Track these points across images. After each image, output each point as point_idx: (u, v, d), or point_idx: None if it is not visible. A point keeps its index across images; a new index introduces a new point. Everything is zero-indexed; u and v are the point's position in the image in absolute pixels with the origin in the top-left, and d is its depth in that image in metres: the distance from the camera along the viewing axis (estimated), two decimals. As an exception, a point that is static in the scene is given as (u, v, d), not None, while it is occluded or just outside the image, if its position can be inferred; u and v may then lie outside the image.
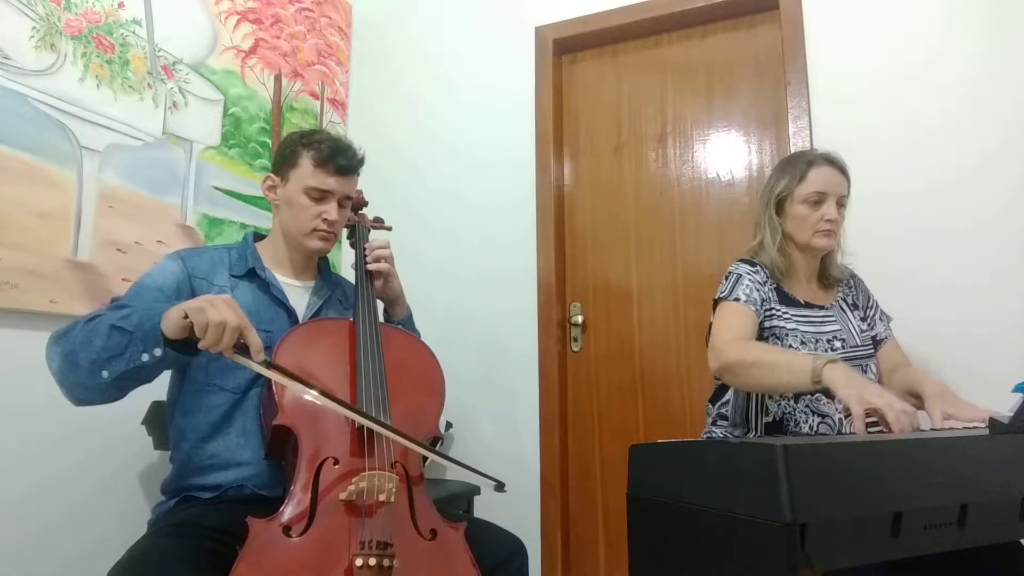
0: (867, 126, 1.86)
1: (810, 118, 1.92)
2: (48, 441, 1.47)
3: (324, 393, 1.01)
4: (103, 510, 1.55)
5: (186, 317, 0.94)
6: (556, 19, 2.31)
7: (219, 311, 0.93)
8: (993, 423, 0.94)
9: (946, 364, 1.69)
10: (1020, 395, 1.02)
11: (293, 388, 1.03)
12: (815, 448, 0.79)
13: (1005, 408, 1.05)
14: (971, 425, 1.14)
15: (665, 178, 2.19)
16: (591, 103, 2.33)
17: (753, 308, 1.36)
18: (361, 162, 1.36)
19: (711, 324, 1.44)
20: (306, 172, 1.29)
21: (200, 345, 0.94)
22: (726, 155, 2.13)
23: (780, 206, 1.44)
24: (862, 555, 0.79)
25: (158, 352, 0.98)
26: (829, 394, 1.18)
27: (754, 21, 2.13)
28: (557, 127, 2.31)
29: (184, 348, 0.97)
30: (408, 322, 1.48)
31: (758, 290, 1.39)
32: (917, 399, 1.33)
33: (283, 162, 1.33)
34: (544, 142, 2.27)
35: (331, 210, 1.30)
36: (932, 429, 1.14)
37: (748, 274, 1.41)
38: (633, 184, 2.23)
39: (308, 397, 1.03)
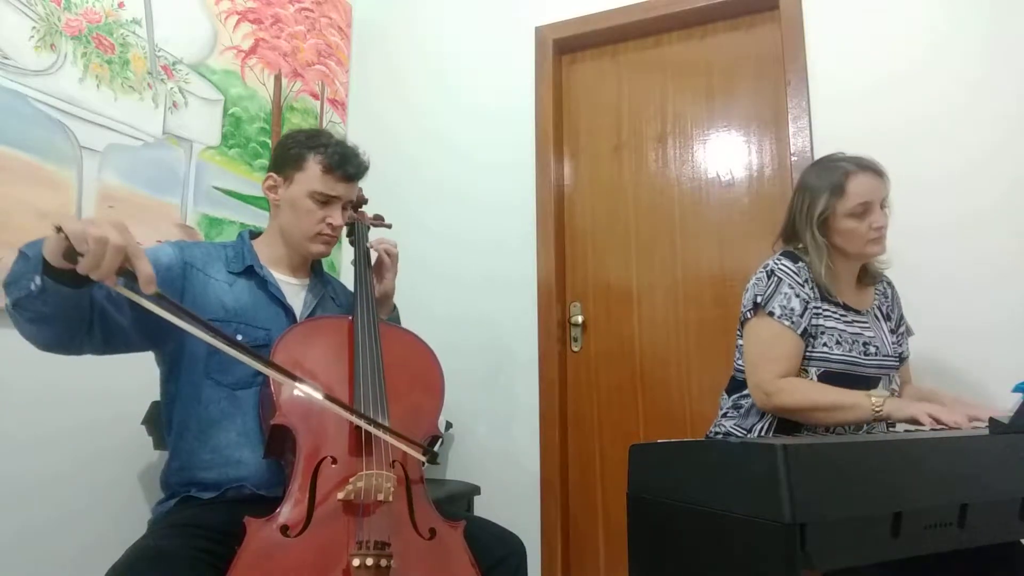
0: (867, 126, 1.86)
1: (810, 118, 1.92)
2: (48, 441, 1.47)
3: (270, 364, 0.98)
4: (103, 510, 1.55)
5: (60, 230, 0.80)
6: (556, 19, 2.31)
7: (99, 227, 0.79)
8: (993, 423, 0.95)
9: (945, 362, 1.69)
10: (1020, 395, 1.02)
11: (240, 358, 0.93)
12: (815, 448, 0.79)
13: (1005, 408, 1.05)
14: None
15: (665, 178, 2.19)
16: (591, 103, 2.33)
17: (790, 323, 1.34)
18: (367, 168, 1.36)
19: (745, 319, 1.42)
20: (313, 176, 1.28)
21: (79, 269, 0.80)
22: (726, 155, 2.12)
23: (824, 226, 1.39)
24: (862, 555, 0.79)
25: (39, 280, 0.87)
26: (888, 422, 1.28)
27: (754, 21, 2.13)
28: (557, 127, 2.31)
29: (65, 279, 0.87)
30: (394, 322, 1.48)
31: (798, 294, 1.36)
32: None
33: (287, 163, 1.31)
34: (544, 142, 2.27)
35: (336, 215, 1.30)
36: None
37: (789, 276, 1.38)
38: (633, 184, 2.23)
39: (258, 366, 0.97)
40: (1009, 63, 1.74)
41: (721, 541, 0.82)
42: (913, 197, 1.79)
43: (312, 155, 1.29)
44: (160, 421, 1.30)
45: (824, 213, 1.38)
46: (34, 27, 1.50)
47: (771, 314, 1.35)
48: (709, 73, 2.18)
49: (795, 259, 1.40)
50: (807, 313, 1.36)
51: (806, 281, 1.38)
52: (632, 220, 2.21)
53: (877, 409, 1.22)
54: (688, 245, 2.13)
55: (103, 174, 1.62)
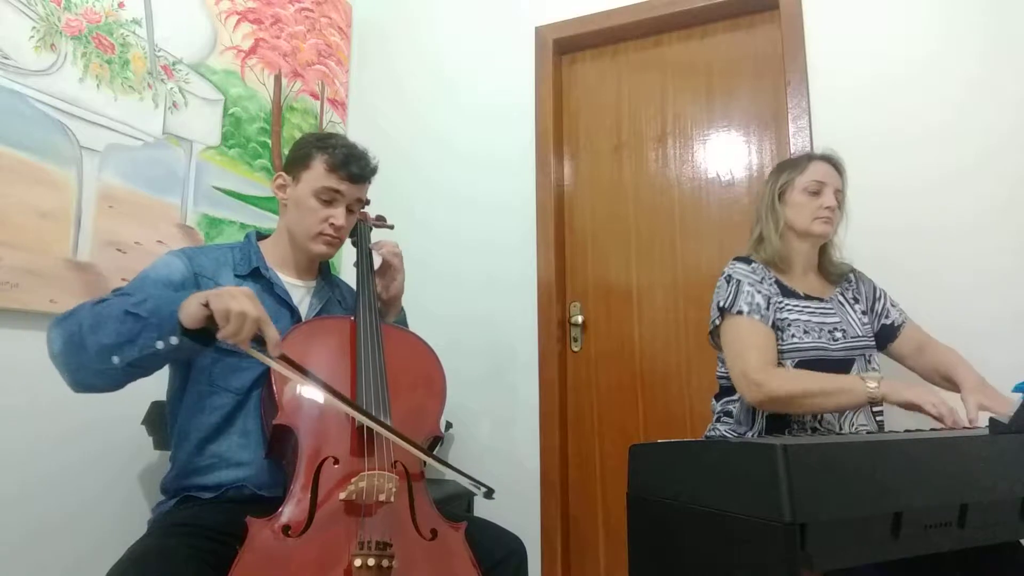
0: (867, 125, 1.86)
1: (810, 118, 1.92)
2: (48, 441, 1.47)
3: (335, 393, 1.02)
4: (103, 510, 1.55)
5: (206, 305, 0.93)
6: (556, 19, 2.31)
7: (239, 301, 0.93)
8: (993, 423, 0.95)
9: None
10: (1020, 395, 1.02)
11: (304, 386, 1.02)
12: (815, 448, 0.79)
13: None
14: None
15: (665, 178, 2.19)
16: (591, 103, 2.33)
17: (759, 317, 1.38)
18: (374, 171, 1.36)
19: (715, 327, 1.45)
20: (318, 175, 1.29)
21: (219, 335, 0.93)
22: (726, 155, 2.13)
23: (781, 198, 1.49)
24: (862, 555, 0.79)
25: (174, 340, 0.96)
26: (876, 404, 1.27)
27: (754, 21, 2.13)
28: (557, 127, 2.31)
29: (201, 338, 0.97)
30: (400, 324, 1.49)
31: (759, 291, 1.40)
32: (951, 384, 1.37)
33: (296, 162, 1.32)
34: (544, 142, 2.27)
35: (339, 215, 1.30)
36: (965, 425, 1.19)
37: (746, 276, 1.43)
38: (633, 184, 2.23)
39: (319, 397, 1.03)
40: (1009, 63, 1.74)
41: (721, 541, 0.82)
42: (912, 197, 1.79)
43: (319, 154, 1.29)
44: (163, 427, 1.30)
45: (783, 186, 1.49)
46: (34, 27, 1.50)
47: (739, 312, 1.39)
48: (709, 73, 2.18)
49: (747, 261, 1.47)
50: (771, 307, 1.40)
51: (763, 279, 1.43)
52: (632, 220, 2.21)
53: (872, 390, 1.22)
54: (688, 245, 2.13)
55: (103, 174, 1.62)
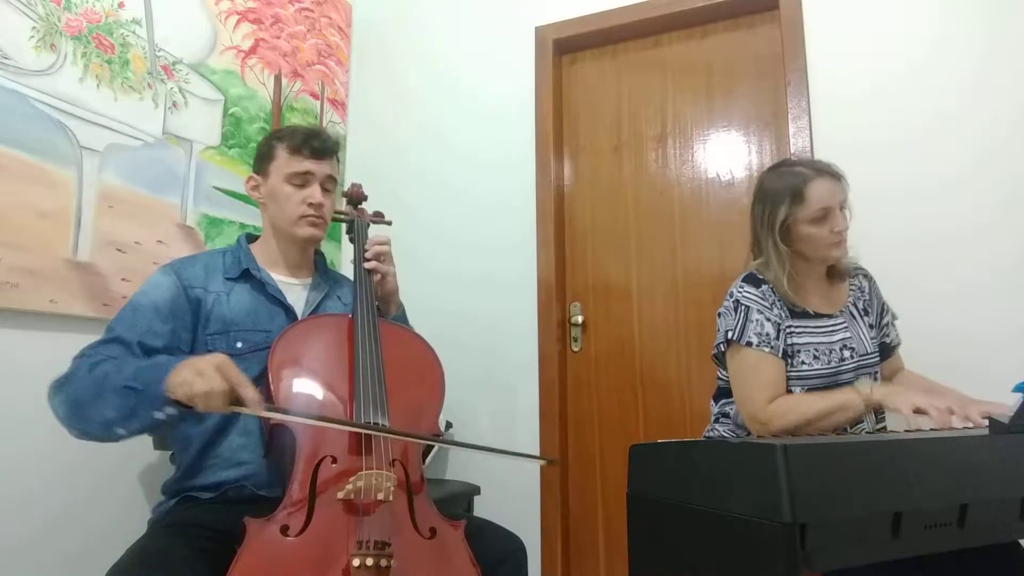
0: (867, 126, 1.86)
1: (810, 118, 1.92)
2: (48, 441, 1.47)
3: (324, 418, 1.05)
4: (103, 510, 1.55)
5: (173, 395, 0.97)
6: (556, 19, 2.31)
7: (205, 381, 0.94)
8: (993, 423, 0.94)
9: (946, 364, 1.68)
10: (1020, 395, 1.02)
11: (303, 421, 1.06)
12: (815, 448, 0.79)
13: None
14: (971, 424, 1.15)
15: (665, 178, 2.19)
16: (591, 103, 2.33)
17: (769, 349, 1.33)
18: (336, 144, 1.38)
19: (720, 352, 1.42)
20: (283, 162, 1.31)
21: (197, 409, 0.96)
22: (726, 155, 2.12)
23: (785, 237, 1.38)
24: (862, 555, 0.79)
25: (171, 410, 0.99)
26: (879, 410, 1.27)
27: (754, 21, 2.13)
28: (557, 127, 2.31)
29: (189, 408, 0.99)
30: (401, 319, 1.48)
31: (769, 319, 1.35)
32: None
33: (261, 160, 1.35)
34: (544, 142, 2.27)
35: (315, 192, 1.31)
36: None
37: (755, 302, 1.36)
38: (633, 184, 2.23)
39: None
40: (1009, 63, 1.74)
41: (721, 541, 0.82)
42: (912, 198, 1.79)
43: (279, 144, 1.33)
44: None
45: (785, 221, 1.36)
46: (34, 27, 1.50)
47: (748, 344, 1.34)
48: (709, 73, 2.18)
49: (757, 283, 1.39)
50: (782, 335, 1.36)
51: (772, 304, 1.37)
52: (632, 220, 2.21)
53: (867, 399, 1.22)
54: (688, 245, 2.13)
55: (103, 174, 1.62)
